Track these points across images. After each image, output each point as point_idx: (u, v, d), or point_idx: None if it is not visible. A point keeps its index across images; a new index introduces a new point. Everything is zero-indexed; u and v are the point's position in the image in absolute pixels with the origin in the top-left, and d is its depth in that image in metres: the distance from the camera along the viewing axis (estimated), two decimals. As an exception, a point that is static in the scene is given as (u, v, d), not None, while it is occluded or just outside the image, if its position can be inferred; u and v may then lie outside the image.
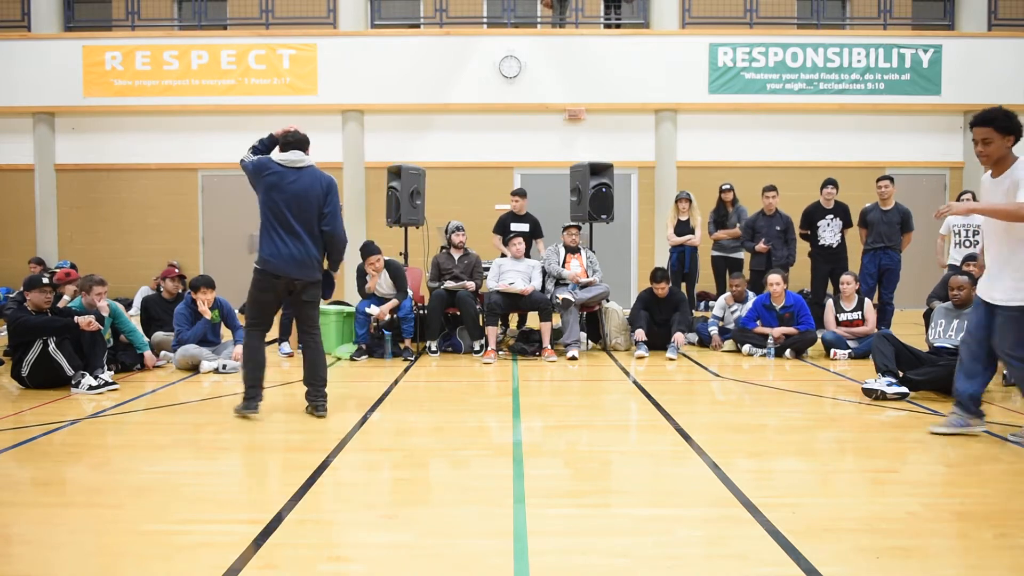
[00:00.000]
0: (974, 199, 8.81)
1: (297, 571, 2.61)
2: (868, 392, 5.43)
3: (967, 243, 8.38)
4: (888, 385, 5.37)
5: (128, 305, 10.14)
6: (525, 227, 8.63)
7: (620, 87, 11.86)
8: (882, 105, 11.87)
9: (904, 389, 5.37)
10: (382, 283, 7.64)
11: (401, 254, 8.36)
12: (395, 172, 8.26)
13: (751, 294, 8.25)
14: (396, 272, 7.67)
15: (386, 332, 7.56)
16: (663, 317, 7.85)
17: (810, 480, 3.66)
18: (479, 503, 3.28)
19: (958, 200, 8.80)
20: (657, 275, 7.92)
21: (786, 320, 7.43)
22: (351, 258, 11.60)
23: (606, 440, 4.49)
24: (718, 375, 6.61)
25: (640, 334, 7.64)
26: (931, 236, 9.07)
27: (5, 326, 6.38)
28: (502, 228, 8.79)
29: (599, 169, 8.32)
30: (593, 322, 8.19)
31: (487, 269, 8.07)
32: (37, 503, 3.34)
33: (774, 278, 7.48)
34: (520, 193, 8.89)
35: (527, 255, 8.16)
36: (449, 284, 7.72)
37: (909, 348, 5.73)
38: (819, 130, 12.02)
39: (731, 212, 9.69)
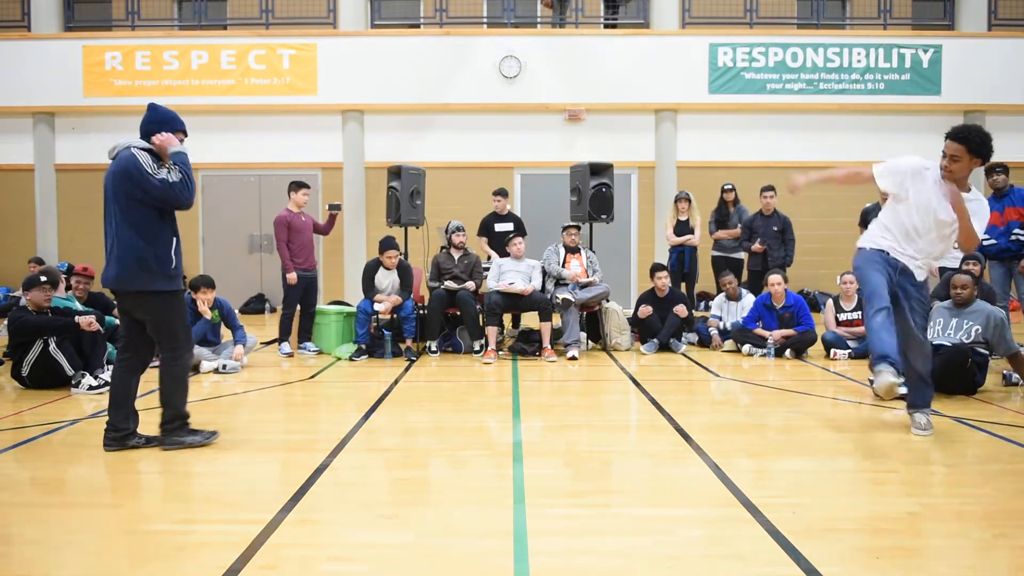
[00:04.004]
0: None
1: (297, 571, 2.61)
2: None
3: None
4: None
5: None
6: (509, 226, 8.63)
7: (620, 87, 11.85)
8: (882, 105, 11.86)
9: None
10: (387, 282, 7.65)
11: (401, 254, 8.36)
12: (395, 172, 8.26)
13: (745, 292, 8.25)
14: (405, 272, 7.71)
15: (386, 332, 7.57)
16: (663, 316, 7.86)
17: (810, 480, 3.66)
18: (479, 503, 3.27)
19: None
20: (656, 267, 8.06)
21: (786, 320, 7.43)
22: (353, 259, 11.70)
23: (606, 440, 4.49)
24: (718, 375, 6.61)
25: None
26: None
27: (5, 325, 6.37)
28: (485, 230, 8.80)
29: (599, 169, 8.32)
30: (593, 322, 8.19)
31: (487, 269, 8.07)
32: (37, 503, 3.34)
33: (775, 278, 7.48)
34: (502, 193, 8.89)
35: (506, 254, 8.12)
36: (449, 284, 7.72)
37: None
38: (819, 130, 12.01)
39: (733, 212, 9.70)
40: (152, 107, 4.27)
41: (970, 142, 4.08)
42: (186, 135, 4.32)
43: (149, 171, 3.95)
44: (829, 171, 4.45)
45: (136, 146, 4.07)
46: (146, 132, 4.16)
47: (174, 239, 4.12)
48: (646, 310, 7.84)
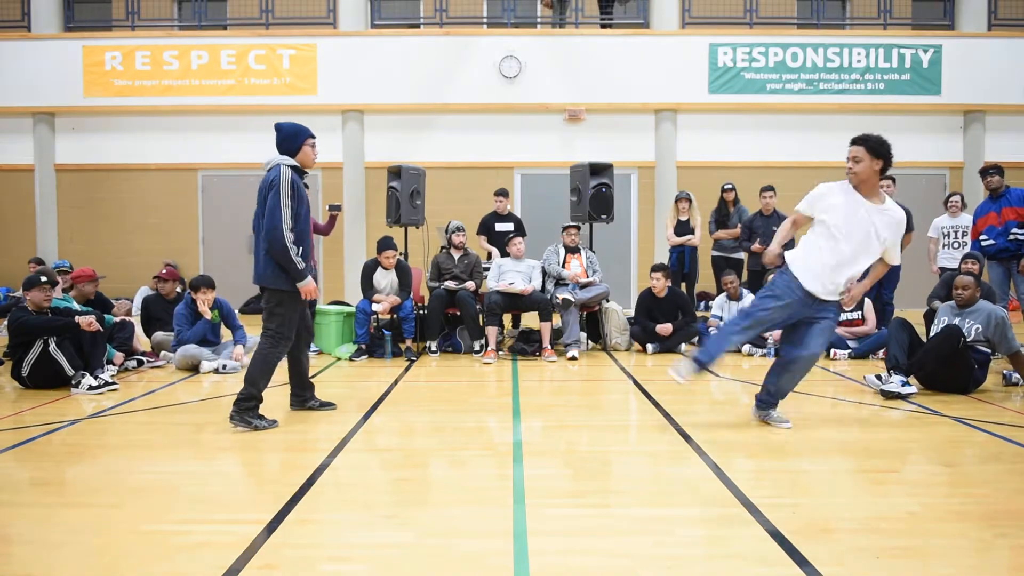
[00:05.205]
0: (962, 201, 8.82)
1: (297, 571, 2.61)
2: (886, 394, 5.41)
3: (956, 244, 8.41)
4: (903, 385, 5.41)
5: (128, 305, 10.13)
6: (509, 226, 8.62)
7: (620, 87, 11.85)
8: (882, 105, 11.86)
9: (914, 388, 5.44)
10: (385, 282, 7.65)
11: (401, 254, 8.36)
12: (395, 172, 8.26)
13: (746, 292, 8.24)
14: (403, 272, 7.71)
15: (386, 332, 7.57)
16: (664, 319, 7.85)
17: (810, 480, 3.66)
18: (479, 503, 3.27)
19: (947, 201, 8.82)
20: (655, 267, 8.00)
21: (786, 320, 7.42)
22: (353, 259, 11.70)
23: (606, 440, 4.48)
24: (718, 375, 6.61)
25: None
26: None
27: (5, 325, 6.37)
28: (485, 229, 8.80)
29: (599, 169, 8.32)
30: (593, 322, 8.19)
31: (487, 269, 8.08)
32: (37, 503, 3.34)
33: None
34: (503, 193, 8.89)
35: (506, 254, 8.11)
36: (449, 284, 7.72)
37: (921, 340, 5.78)
38: (819, 130, 12.00)
39: (733, 212, 9.70)
40: (277, 127, 4.71)
41: (868, 142, 4.31)
42: (314, 137, 4.75)
43: (283, 196, 4.46)
44: (780, 233, 4.61)
45: (286, 163, 4.59)
46: (283, 152, 4.66)
47: (297, 247, 4.54)
48: (665, 328, 7.72)
